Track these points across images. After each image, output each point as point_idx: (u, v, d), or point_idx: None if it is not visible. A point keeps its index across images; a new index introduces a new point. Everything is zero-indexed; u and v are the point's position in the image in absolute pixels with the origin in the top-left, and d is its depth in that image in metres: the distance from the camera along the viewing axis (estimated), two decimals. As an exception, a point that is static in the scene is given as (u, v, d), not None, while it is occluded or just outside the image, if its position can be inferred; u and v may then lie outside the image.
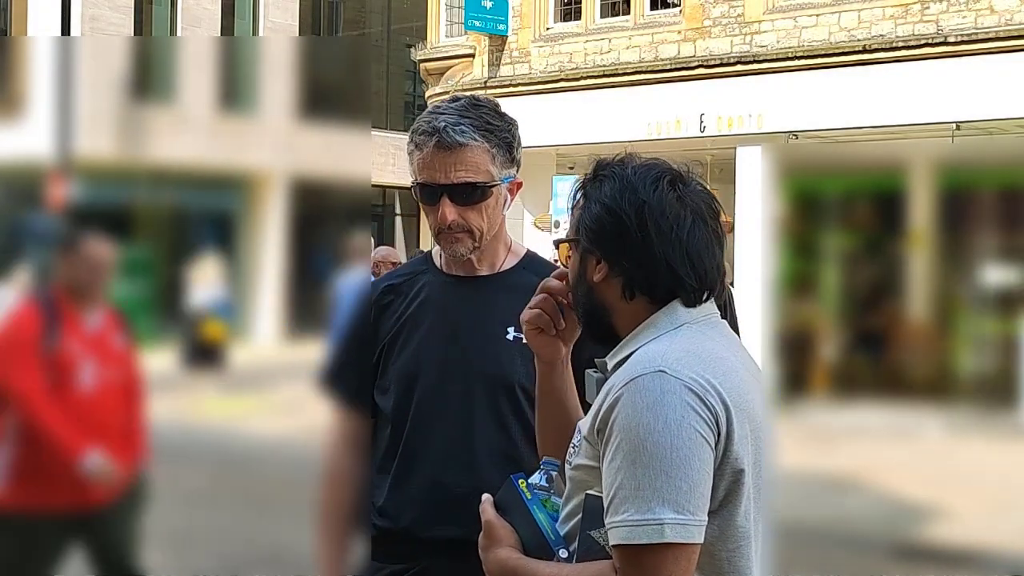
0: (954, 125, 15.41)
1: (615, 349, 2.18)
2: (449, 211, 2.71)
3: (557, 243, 2.36)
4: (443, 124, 2.69)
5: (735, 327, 6.35)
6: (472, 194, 2.72)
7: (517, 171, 2.82)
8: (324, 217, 3.78)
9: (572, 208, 2.26)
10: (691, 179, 2.19)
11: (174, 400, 4.50)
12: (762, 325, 6.63)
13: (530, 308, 2.33)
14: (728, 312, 6.38)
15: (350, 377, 2.90)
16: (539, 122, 19.30)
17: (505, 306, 2.76)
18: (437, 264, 2.88)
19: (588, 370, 2.27)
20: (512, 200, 2.85)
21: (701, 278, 2.13)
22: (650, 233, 2.10)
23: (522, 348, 2.65)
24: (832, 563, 6.59)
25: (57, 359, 4.14)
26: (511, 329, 2.75)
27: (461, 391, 2.76)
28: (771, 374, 6.14)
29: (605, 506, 2.00)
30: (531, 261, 2.89)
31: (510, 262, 2.87)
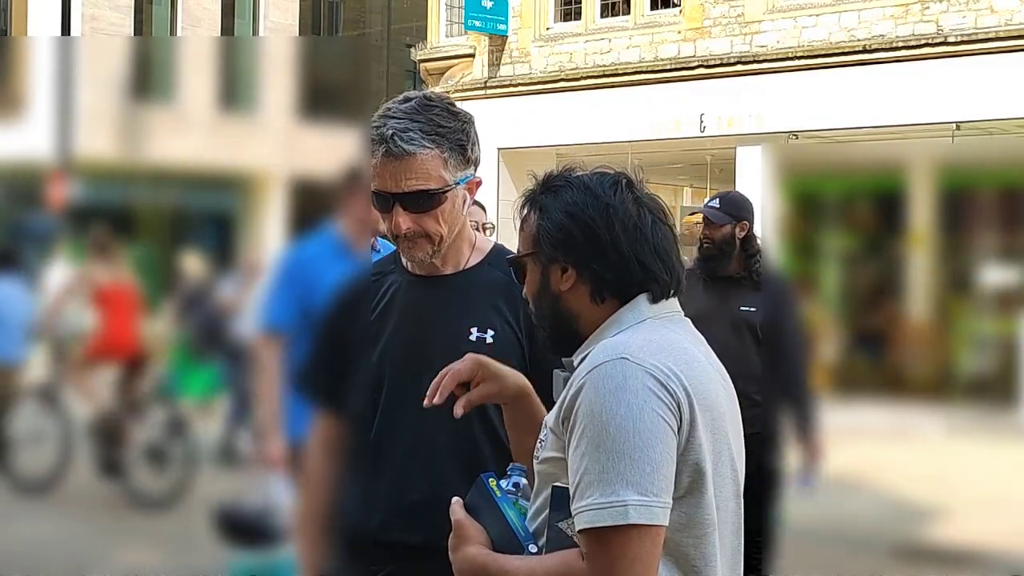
0: (954, 125, 15.42)
1: (581, 347, 2.21)
2: (402, 219, 2.65)
3: (511, 262, 2.32)
4: (391, 132, 2.60)
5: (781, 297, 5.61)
6: (425, 202, 2.65)
7: (475, 169, 2.74)
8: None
9: (521, 224, 2.26)
10: (640, 183, 2.25)
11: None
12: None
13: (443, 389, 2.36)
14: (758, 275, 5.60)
15: (326, 378, 2.87)
16: (539, 122, 19.31)
17: (468, 306, 2.73)
18: (404, 263, 2.82)
19: (556, 370, 2.29)
20: (472, 198, 2.78)
21: (670, 271, 2.19)
22: (618, 233, 2.15)
23: (486, 348, 2.65)
24: (832, 563, 6.58)
25: None
26: (474, 329, 2.71)
27: (423, 394, 2.67)
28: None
29: (572, 493, 2.02)
30: (497, 256, 2.83)
31: (475, 259, 2.81)
